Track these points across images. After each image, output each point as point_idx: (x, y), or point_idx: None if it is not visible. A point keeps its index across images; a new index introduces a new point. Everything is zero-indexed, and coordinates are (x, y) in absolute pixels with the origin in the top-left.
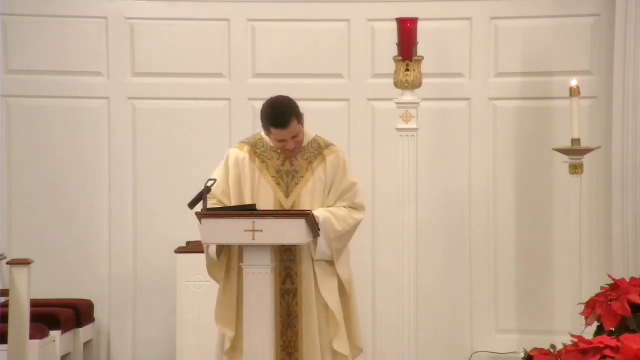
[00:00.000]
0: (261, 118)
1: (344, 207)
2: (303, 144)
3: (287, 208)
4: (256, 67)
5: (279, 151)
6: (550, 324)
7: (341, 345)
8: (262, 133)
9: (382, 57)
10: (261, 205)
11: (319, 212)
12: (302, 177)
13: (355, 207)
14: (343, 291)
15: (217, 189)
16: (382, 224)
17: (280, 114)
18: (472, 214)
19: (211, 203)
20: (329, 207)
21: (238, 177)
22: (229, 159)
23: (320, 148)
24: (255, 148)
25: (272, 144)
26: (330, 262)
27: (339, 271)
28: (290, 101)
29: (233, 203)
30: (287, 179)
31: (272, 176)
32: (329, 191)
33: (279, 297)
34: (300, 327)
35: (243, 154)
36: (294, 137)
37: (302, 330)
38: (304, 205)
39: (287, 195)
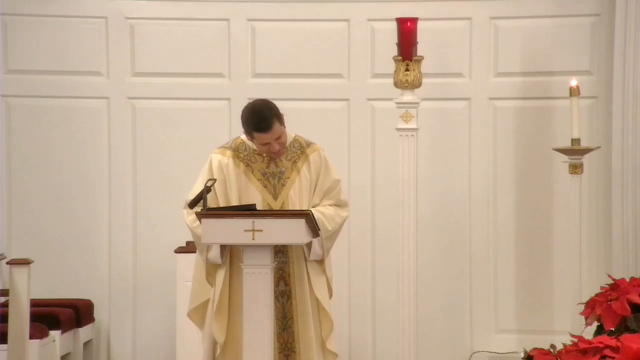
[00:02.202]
0: (243, 124)
1: (330, 205)
2: (286, 145)
3: (276, 209)
4: (256, 67)
5: (263, 154)
6: (550, 324)
7: (332, 344)
8: (242, 136)
9: (382, 57)
10: None
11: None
12: (289, 178)
13: (341, 204)
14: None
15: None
16: (382, 223)
17: (262, 117)
18: (472, 214)
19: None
20: (316, 205)
21: (223, 183)
22: (212, 164)
23: (302, 147)
24: (238, 152)
25: (254, 147)
26: (319, 262)
27: (326, 268)
28: (270, 104)
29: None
30: (273, 181)
31: (258, 179)
32: (314, 189)
33: (273, 300)
34: (297, 328)
35: (226, 159)
36: (277, 139)
37: (298, 331)
38: (292, 206)
39: (275, 198)
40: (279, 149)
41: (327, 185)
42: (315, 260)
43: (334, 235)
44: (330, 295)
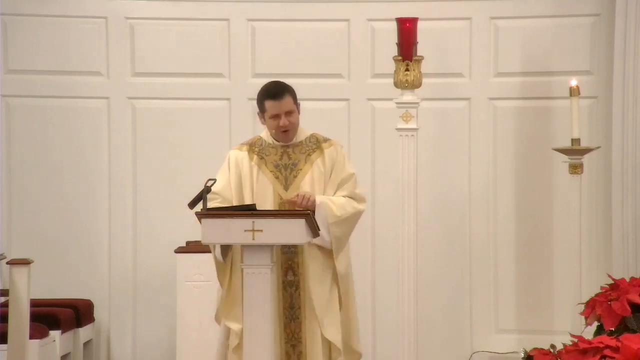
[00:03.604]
0: (257, 98)
1: (343, 196)
2: (301, 139)
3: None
4: (256, 67)
5: (279, 140)
6: (550, 324)
7: (330, 333)
8: (262, 134)
9: (382, 57)
10: (261, 200)
11: (317, 198)
12: (301, 170)
13: (355, 197)
14: (342, 292)
15: (221, 188)
16: (382, 223)
17: (275, 87)
18: (472, 214)
19: (217, 202)
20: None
21: (239, 177)
22: (230, 160)
23: (318, 142)
24: (253, 147)
25: (270, 142)
26: (328, 255)
27: (336, 263)
28: (287, 84)
29: (235, 202)
30: (285, 172)
31: (270, 171)
32: (328, 182)
33: (281, 290)
34: (304, 318)
35: (242, 153)
36: (288, 114)
37: (305, 322)
38: None
39: (286, 189)
40: (288, 125)
41: (341, 177)
42: (322, 253)
43: (344, 223)
44: (350, 297)
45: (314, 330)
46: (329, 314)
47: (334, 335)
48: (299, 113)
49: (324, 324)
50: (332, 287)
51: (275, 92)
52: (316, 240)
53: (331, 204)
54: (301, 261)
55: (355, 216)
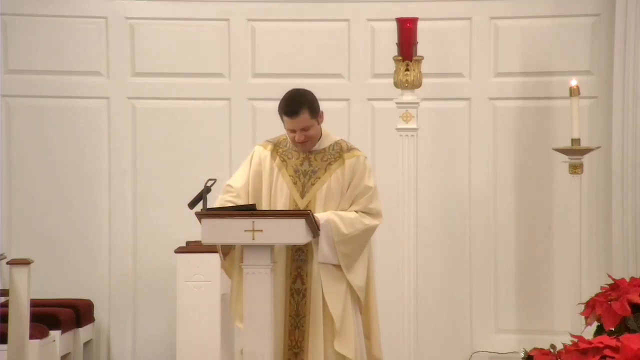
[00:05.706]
0: (278, 107)
1: (356, 211)
2: (325, 146)
3: (301, 208)
4: (256, 67)
5: (297, 149)
6: (550, 324)
7: (342, 346)
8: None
9: (382, 57)
10: (277, 204)
11: (324, 215)
12: (319, 178)
13: (369, 212)
14: (358, 299)
15: (238, 183)
16: (382, 223)
17: (292, 102)
18: (472, 214)
19: (232, 195)
20: (344, 210)
21: (259, 175)
22: (253, 156)
23: (341, 151)
24: (277, 147)
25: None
26: (339, 267)
27: (349, 277)
28: (308, 94)
29: (250, 199)
30: (304, 179)
31: (290, 175)
32: (345, 194)
33: (288, 297)
34: (308, 327)
35: (266, 152)
36: (304, 130)
37: (308, 331)
38: (318, 207)
39: (302, 196)
40: (303, 140)
41: (358, 190)
42: (334, 265)
43: (351, 241)
44: (370, 305)
45: (316, 341)
46: (343, 326)
47: (346, 348)
48: (320, 123)
49: (337, 336)
50: (347, 299)
51: (289, 110)
52: (322, 259)
53: (339, 221)
54: (310, 270)
55: (366, 232)
